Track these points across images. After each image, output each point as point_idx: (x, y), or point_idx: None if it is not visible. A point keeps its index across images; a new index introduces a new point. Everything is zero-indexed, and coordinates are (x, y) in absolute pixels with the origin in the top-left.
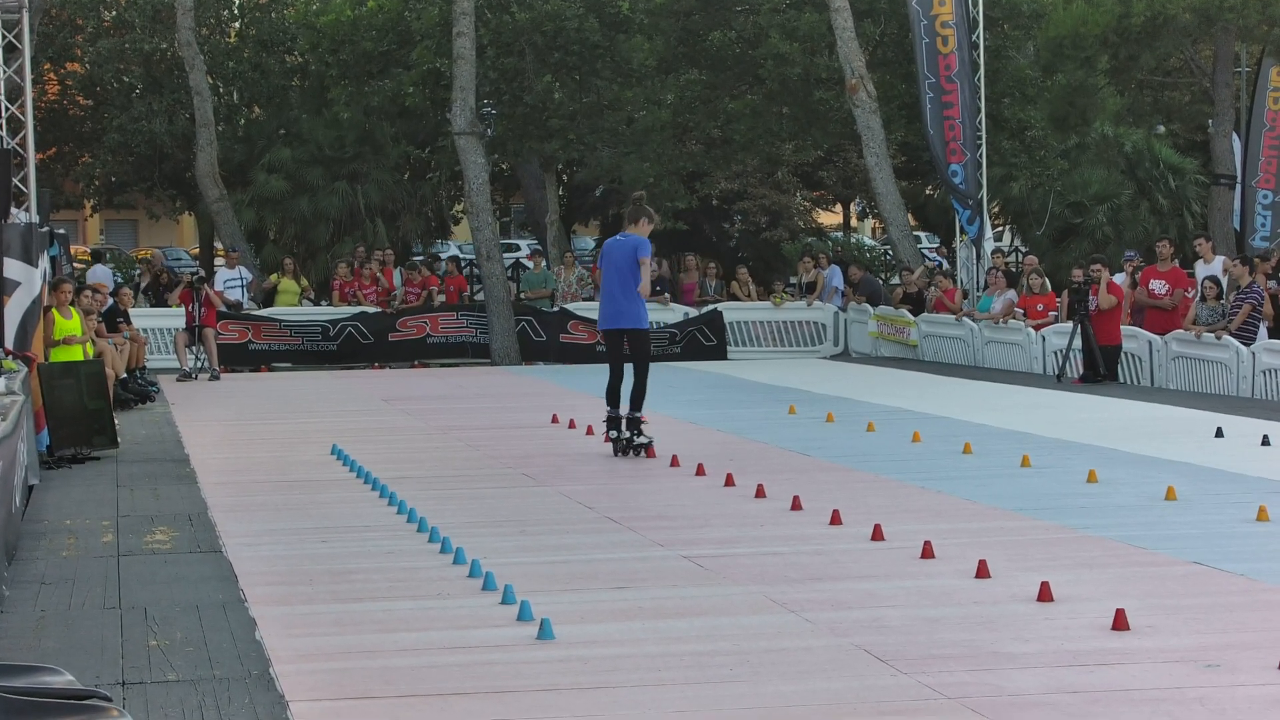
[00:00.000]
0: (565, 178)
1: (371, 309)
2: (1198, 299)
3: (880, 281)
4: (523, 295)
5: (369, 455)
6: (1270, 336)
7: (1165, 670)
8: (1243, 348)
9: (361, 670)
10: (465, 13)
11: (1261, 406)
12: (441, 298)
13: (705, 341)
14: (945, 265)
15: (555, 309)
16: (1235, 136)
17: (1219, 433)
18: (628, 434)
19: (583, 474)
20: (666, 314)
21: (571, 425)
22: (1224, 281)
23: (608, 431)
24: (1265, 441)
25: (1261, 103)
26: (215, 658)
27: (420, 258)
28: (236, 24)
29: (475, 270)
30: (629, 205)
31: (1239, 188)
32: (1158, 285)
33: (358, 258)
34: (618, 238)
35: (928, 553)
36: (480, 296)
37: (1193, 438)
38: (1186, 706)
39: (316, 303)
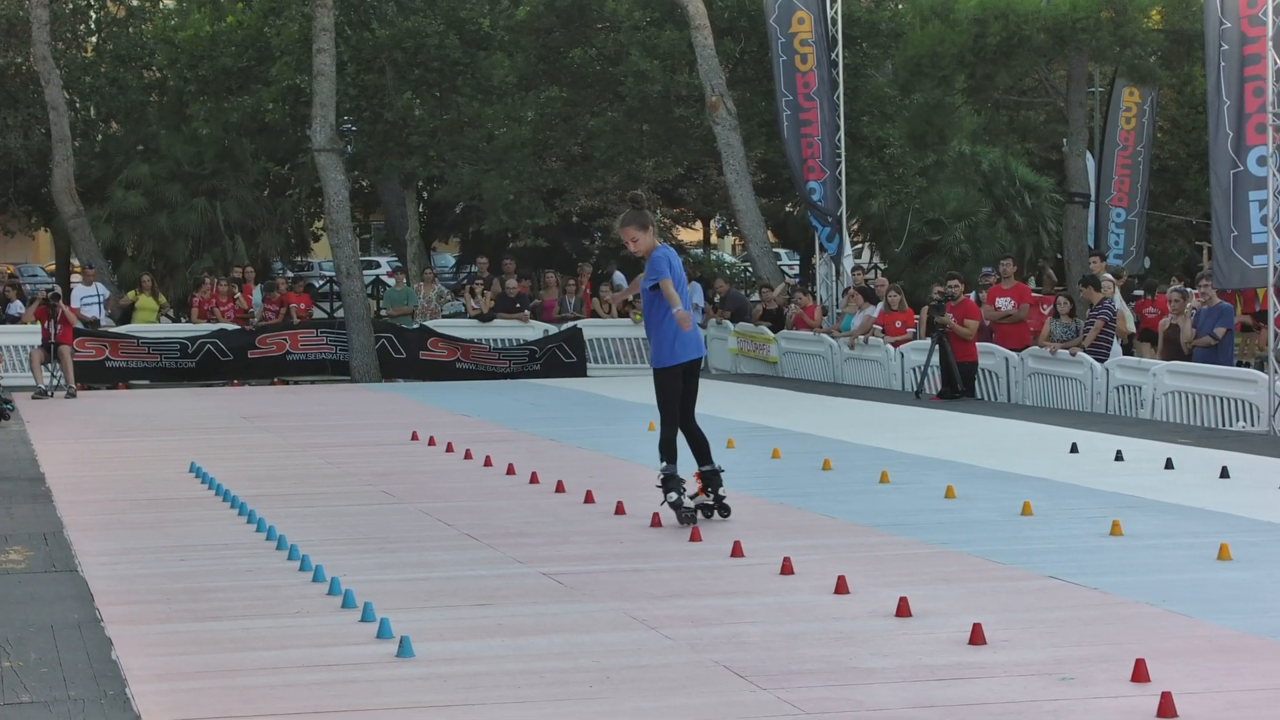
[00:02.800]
0: (425, 194)
1: (230, 326)
2: (1051, 316)
3: (745, 297)
4: (383, 312)
5: (228, 473)
6: (1124, 353)
7: (1021, 683)
8: (1096, 364)
9: (219, 689)
10: (325, 29)
11: (1115, 422)
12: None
13: (565, 359)
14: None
15: (415, 326)
16: (1089, 155)
17: (1074, 448)
18: (710, 496)
19: (442, 491)
20: (526, 331)
21: (431, 443)
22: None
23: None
24: (1119, 457)
25: (1114, 122)
26: (70, 678)
27: (291, 274)
28: (94, 39)
29: (335, 287)
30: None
31: (1093, 206)
32: (1004, 302)
33: (217, 276)
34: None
35: (787, 569)
36: (340, 313)
37: (1048, 453)
38: (1041, 719)
39: (175, 320)
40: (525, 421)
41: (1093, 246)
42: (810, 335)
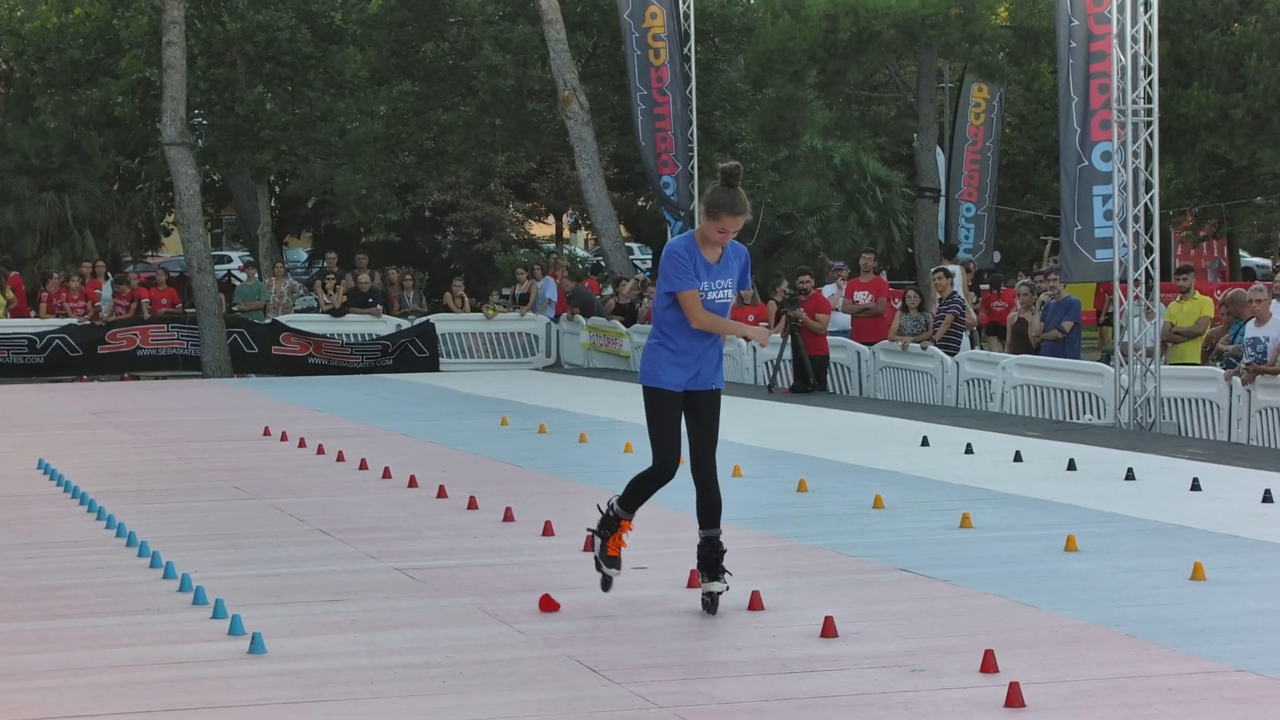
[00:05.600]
0: (277, 189)
1: (80, 321)
2: (900, 310)
3: (594, 292)
4: (235, 307)
5: (77, 469)
6: (973, 346)
7: (872, 676)
8: (947, 358)
9: (68, 688)
10: (175, 22)
11: (965, 415)
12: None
13: (418, 353)
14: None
15: (267, 321)
16: (939, 151)
17: (924, 441)
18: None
19: (295, 486)
20: (379, 326)
21: (284, 438)
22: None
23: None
24: (969, 450)
25: (964, 118)
26: None
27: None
28: None
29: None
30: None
31: (943, 201)
32: (861, 296)
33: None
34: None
35: (640, 563)
36: (192, 309)
37: (899, 446)
38: (892, 710)
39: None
40: (378, 416)
41: (943, 241)
42: None
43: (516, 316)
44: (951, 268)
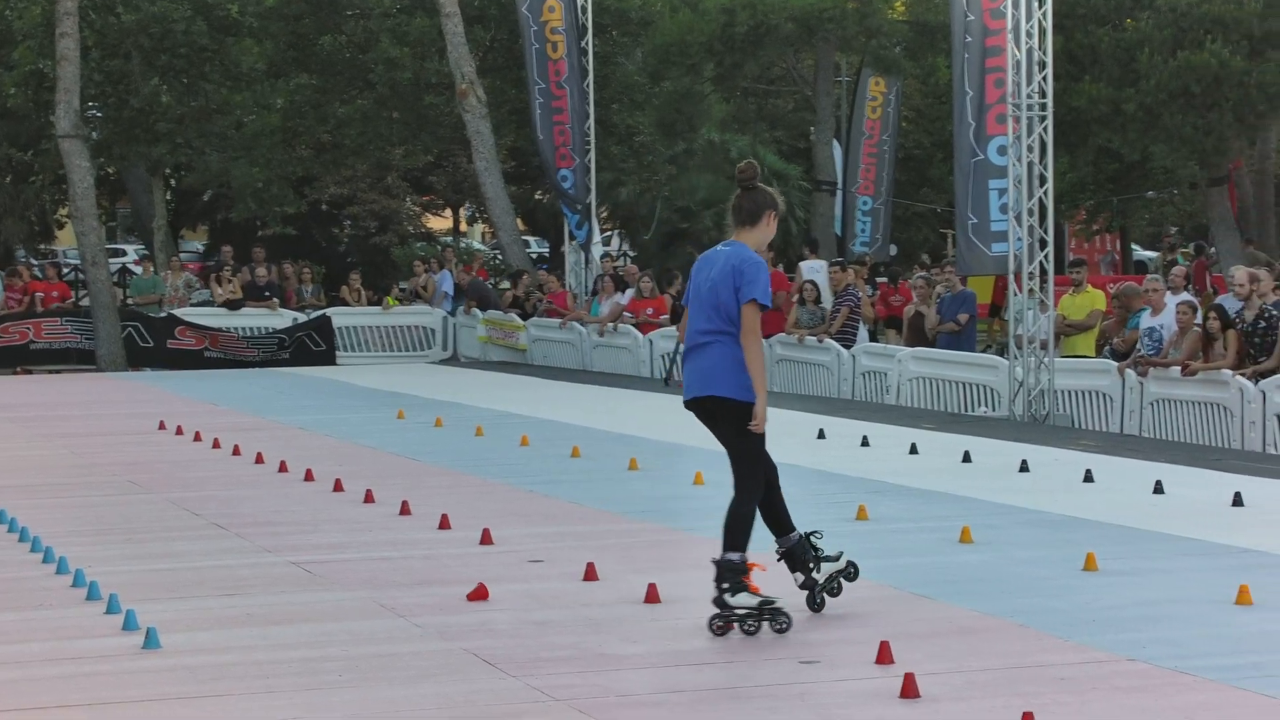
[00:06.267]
0: (173, 182)
1: None
2: (798, 302)
3: (491, 285)
4: (130, 301)
5: None
6: (870, 339)
7: (769, 668)
8: (843, 350)
9: None
10: (69, 13)
11: (861, 408)
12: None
13: (314, 347)
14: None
15: (163, 314)
16: (836, 144)
17: (821, 434)
18: (716, 588)
19: (191, 481)
20: (275, 319)
21: (179, 431)
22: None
23: (795, 577)
24: (865, 442)
25: (861, 112)
26: None
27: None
28: None
29: (80, 275)
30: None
31: (840, 194)
32: None
33: None
34: (728, 246)
35: (536, 556)
36: (86, 302)
37: (796, 439)
38: (788, 702)
39: None
40: (274, 410)
41: (839, 234)
42: (558, 322)
43: (415, 309)
44: (817, 263)
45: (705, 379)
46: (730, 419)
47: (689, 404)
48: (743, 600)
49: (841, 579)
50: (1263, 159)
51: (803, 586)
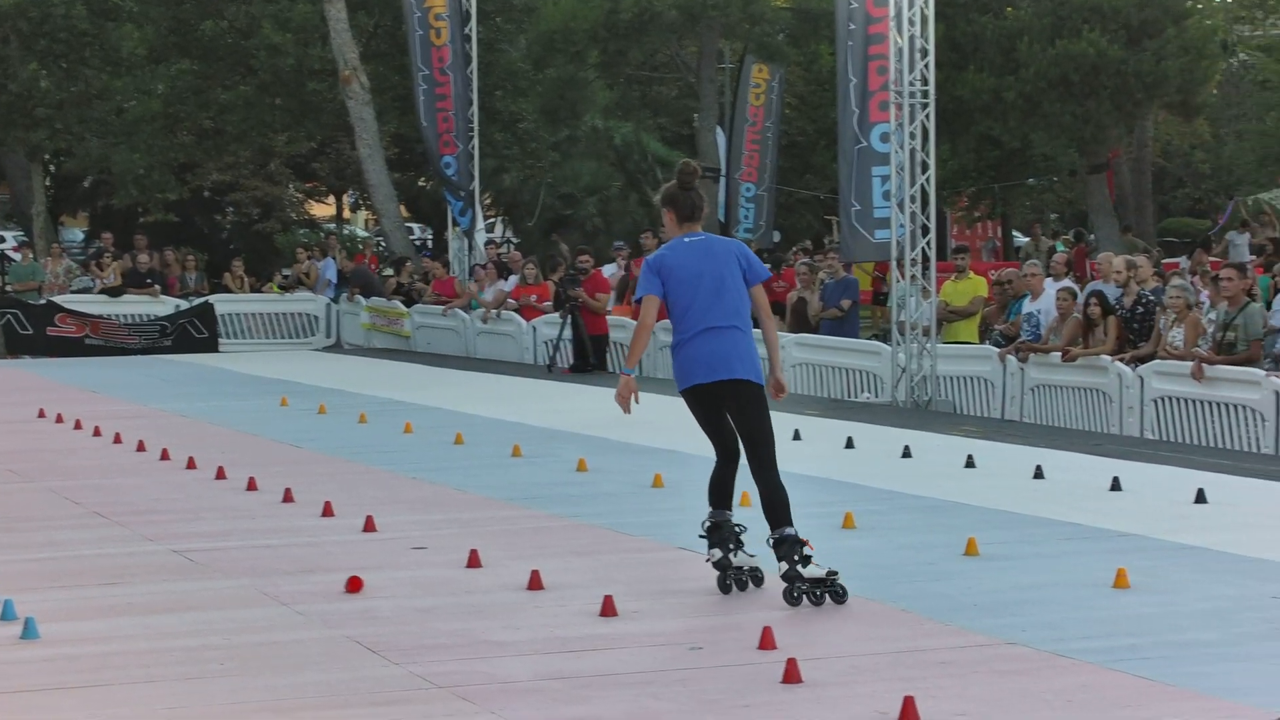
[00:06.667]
0: (53, 168)
1: None
2: None
3: (374, 272)
4: (9, 288)
5: None
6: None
7: (651, 654)
8: None
9: None
10: None
11: None
12: None
13: (197, 334)
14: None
15: (42, 301)
16: (720, 131)
17: None
18: (788, 562)
19: (71, 469)
20: (157, 306)
21: (59, 419)
22: None
23: (712, 552)
24: None
25: (744, 99)
26: None
27: None
28: None
29: None
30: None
31: (724, 181)
32: None
33: None
34: (701, 238)
35: (420, 543)
36: None
37: (678, 427)
38: (670, 688)
39: None
40: (156, 397)
41: (723, 221)
42: (441, 309)
43: (298, 296)
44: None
45: (735, 363)
46: (756, 402)
47: (715, 386)
48: (814, 572)
49: (747, 578)
50: (1140, 147)
51: (717, 565)
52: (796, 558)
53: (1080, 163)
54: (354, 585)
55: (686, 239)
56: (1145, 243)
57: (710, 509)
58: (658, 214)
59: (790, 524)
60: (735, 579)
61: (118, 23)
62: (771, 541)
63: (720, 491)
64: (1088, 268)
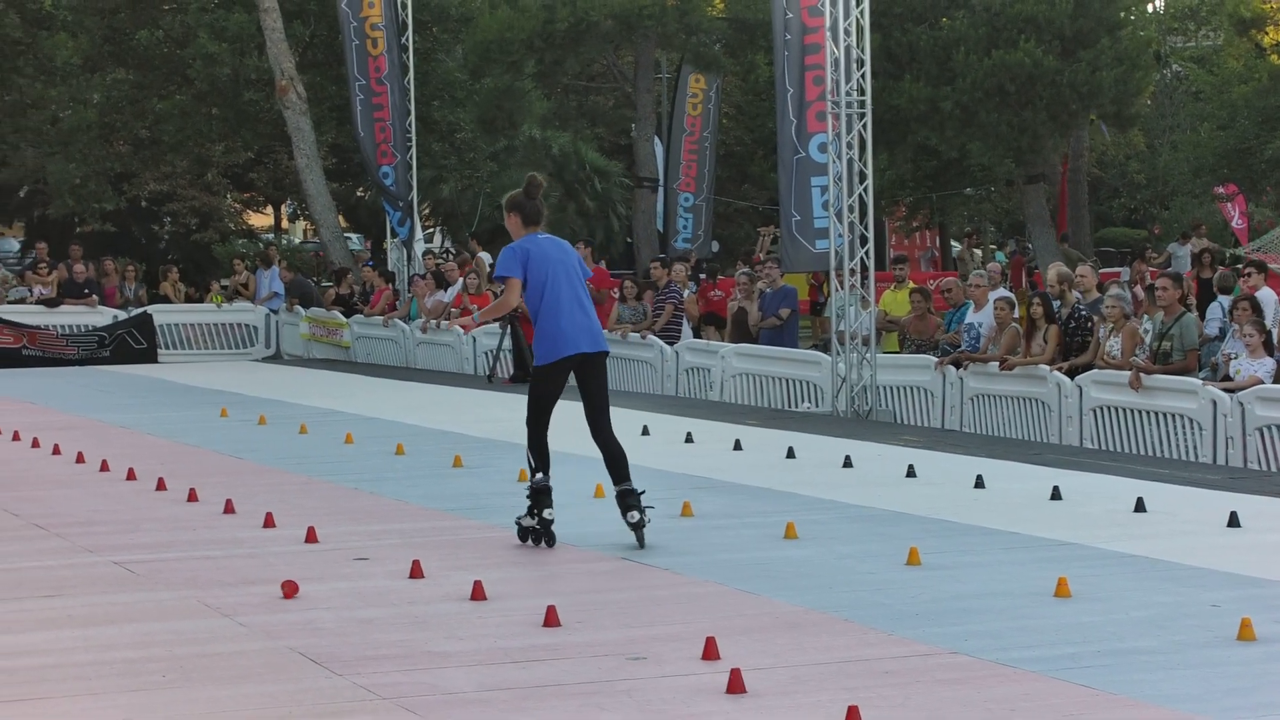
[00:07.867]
0: None
1: None
2: (619, 299)
3: (313, 283)
4: None
5: None
6: (695, 335)
7: (594, 664)
8: (666, 347)
9: None
10: None
11: (685, 404)
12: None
13: (135, 345)
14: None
15: None
16: (657, 141)
17: (645, 430)
18: (636, 515)
19: (9, 480)
20: (94, 317)
21: None
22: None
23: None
24: (689, 439)
25: (681, 109)
26: None
27: None
28: None
29: None
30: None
31: (661, 191)
32: None
33: None
34: (547, 237)
35: (361, 554)
36: None
37: (620, 436)
38: (614, 699)
39: None
40: (94, 408)
41: (661, 231)
42: (380, 320)
43: (237, 307)
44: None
45: (597, 337)
46: (605, 371)
47: (585, 357)
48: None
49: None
50: (1076, 157)
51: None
52: (648, 506)
53: (1017, 173)
54: (290, 590)
55: (540, 236)
56: (1080, 253)
57: (541, 475)
58: (595, 223)
59: (630, 479)
60: (534, 538)
61: (51, 32)
62: (617, 493)
63: (542, 453)
64: (1023, 278)
